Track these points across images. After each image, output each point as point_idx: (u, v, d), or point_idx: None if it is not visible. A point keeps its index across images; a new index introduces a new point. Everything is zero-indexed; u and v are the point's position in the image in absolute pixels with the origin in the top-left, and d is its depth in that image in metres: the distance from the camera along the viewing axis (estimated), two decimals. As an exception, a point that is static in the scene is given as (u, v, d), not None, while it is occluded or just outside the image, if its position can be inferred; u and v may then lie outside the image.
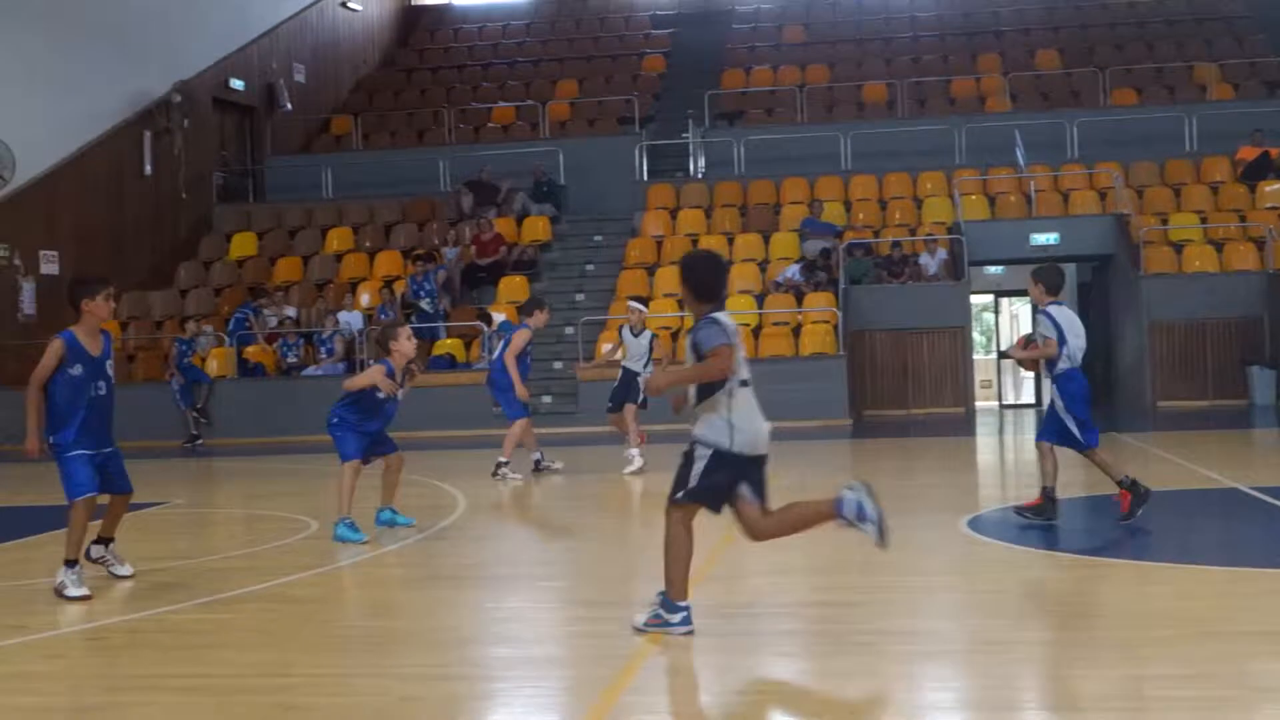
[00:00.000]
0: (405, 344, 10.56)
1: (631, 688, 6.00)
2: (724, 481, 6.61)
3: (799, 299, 23.73)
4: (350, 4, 36.07)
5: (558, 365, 23.23)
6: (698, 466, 6.57)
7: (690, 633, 6.64)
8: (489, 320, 22.48)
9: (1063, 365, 9.79)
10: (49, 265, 24.56)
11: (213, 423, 22.71)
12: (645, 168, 28.74)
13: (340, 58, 35.57)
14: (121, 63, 26.69)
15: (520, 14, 38.84)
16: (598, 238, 26.96)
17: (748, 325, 22.51)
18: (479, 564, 9.88)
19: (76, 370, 8.35)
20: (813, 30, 35.12)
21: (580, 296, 25.03)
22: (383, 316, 23.35)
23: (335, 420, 10.44)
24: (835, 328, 22.94)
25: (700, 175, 28.92)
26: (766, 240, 25.67)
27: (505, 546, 10.84)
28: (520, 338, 14.42)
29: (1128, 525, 9.73)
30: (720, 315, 6.64)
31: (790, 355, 22.66)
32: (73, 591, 8.31)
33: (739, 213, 26.92)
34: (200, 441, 22.27)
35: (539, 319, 14.77)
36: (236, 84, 30.75)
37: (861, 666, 6.25)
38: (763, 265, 24.97)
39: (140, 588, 8.90)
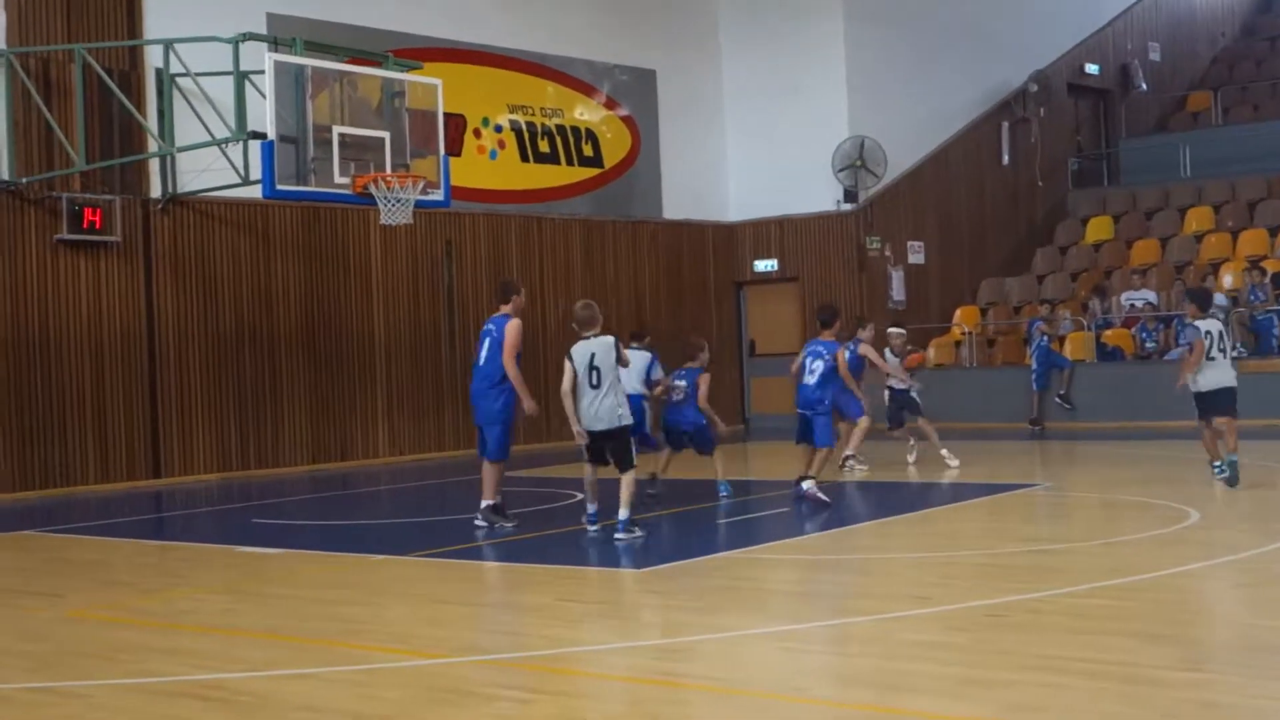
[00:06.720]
0: None
1: None
2: None
3: None
4: (1211, -26, 34.35)
5: None
6: None
7: None
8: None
9: None
10: (915, 255, 25.64)
11: (1076, 408, 22.17)
12: None
13: (1196, 32, 33.89)
14: (979, 58, 27.24)
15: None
16: None
17: None
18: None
19: None
20: None
21: None
22: (1252, 299, 21.93)
23: None
24: None
25: None
26: None
27: None
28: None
29: None
30: None
31: None
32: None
33: None
34: (1041, 427, 21.87)
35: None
36: (1091, 68, 30.33)
37: None
38: None
39: (1027, 568, 9.02)
